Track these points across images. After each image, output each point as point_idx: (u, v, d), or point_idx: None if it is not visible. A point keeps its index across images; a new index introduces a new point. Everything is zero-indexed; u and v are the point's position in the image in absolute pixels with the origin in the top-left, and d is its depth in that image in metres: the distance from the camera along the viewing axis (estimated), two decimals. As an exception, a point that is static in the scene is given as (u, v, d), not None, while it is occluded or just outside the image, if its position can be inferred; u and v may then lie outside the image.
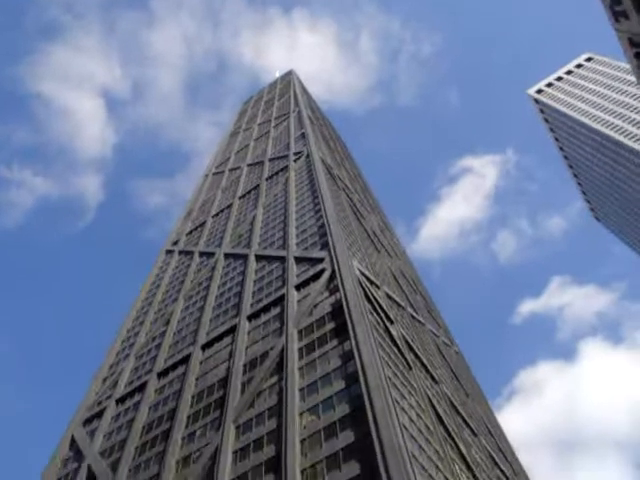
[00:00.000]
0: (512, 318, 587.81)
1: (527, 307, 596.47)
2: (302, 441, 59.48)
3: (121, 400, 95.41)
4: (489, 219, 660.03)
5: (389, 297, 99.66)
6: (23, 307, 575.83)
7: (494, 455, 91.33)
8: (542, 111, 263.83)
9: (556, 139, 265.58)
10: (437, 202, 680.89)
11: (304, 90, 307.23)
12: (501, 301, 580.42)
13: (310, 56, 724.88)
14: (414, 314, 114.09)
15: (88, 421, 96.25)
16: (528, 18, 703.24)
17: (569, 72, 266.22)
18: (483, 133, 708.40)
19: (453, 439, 73.56)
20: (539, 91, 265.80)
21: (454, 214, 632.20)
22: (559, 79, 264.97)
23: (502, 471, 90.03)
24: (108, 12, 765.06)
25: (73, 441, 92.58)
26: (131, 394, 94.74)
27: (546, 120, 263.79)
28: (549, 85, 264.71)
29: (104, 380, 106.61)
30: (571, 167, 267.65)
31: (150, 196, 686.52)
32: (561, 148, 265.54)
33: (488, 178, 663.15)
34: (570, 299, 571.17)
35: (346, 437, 56.41)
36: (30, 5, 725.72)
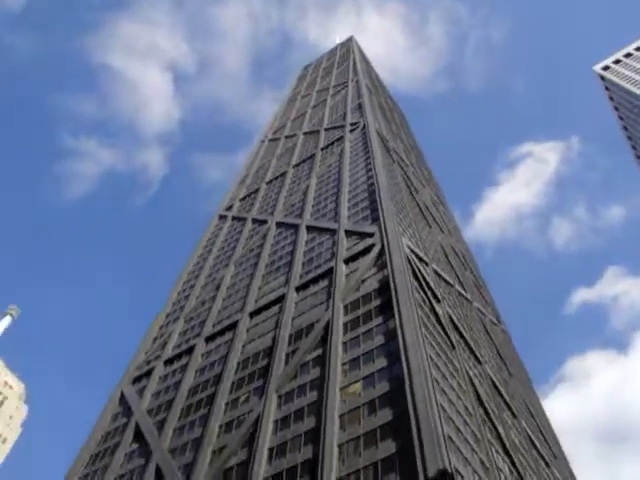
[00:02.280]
0: (564, 306, 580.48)
1: (580, 295, 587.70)
2: (341, 416, 60.58)
3: (169, 361, 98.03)
4: (547, 205, 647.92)
5: (437, 274, 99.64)
6: (89, 268, 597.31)
7: (534, 438, 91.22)
8: (607, 88, 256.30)
9: (620, 118, 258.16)
10: (495, 186, 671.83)
11: (363, 58, 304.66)
12: (554, 288, 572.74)
13: (376, 38, 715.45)
14: (462, 291, 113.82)
15: (137, 380, 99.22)
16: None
17: (638, 48, 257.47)
18: (547, 119, 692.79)
19: (492, 421, 73.76)
20: (605, 68, 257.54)
21: (511, 199, 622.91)
22: (628, 55, 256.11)
23: (541, 455, 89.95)
24: None
25: (122, 397, 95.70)
26: (179, 356, 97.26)
27: (611, 98, 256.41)
28: (617, 62, 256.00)
29: (154, 340, 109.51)
30: (634, 148, 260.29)
31: (212, 170, 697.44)
32: (625, 128, 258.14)
33: (549, 164, 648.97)
34: (625, 289, 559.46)
35: (384, 415, 57.27)
36: None
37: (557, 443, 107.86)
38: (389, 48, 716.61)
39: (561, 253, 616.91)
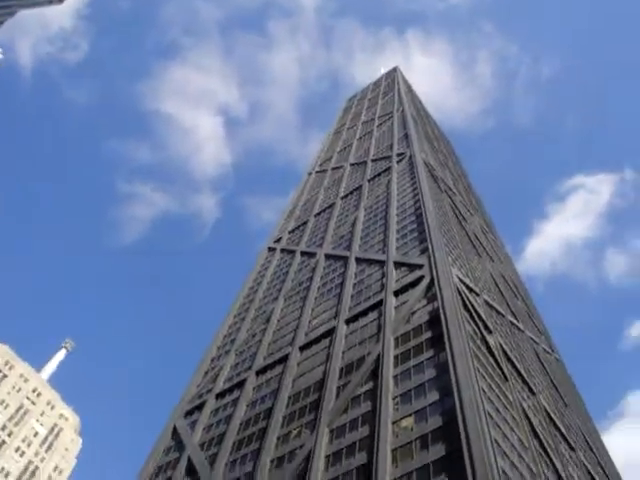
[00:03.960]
0: (621, 340, 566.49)
1: (638, 329, 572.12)
2: (393, 450, 60.19)
3: (221, 395, 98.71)
4: (599, 238, 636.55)
5: (488, 304, 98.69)
6: (143, 304, 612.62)
7: (593, 473, 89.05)
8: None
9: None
10: (545, 219, 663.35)
11: (408, 88, 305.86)
12: (609, 322, 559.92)
13: (423, 77, 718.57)
14: (514, 320, 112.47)
15: (189, 413, 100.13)
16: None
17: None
18: (598, 152, 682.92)
19: (548, 454, 72.34)
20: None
21: (562, 231, 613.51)
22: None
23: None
24: (227, 34, 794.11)
25: (175, 431, 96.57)
26: (230, 390, 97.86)
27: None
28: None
29: (205, 373, 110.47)
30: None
31: (264, 212, 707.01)
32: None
33: (601, 196, 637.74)
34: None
35: (437, 450, 56.73)
36: (151, 27, 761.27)
37: (619, 478, 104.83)
38: (436, 86, 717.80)
39: (615, 286, 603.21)
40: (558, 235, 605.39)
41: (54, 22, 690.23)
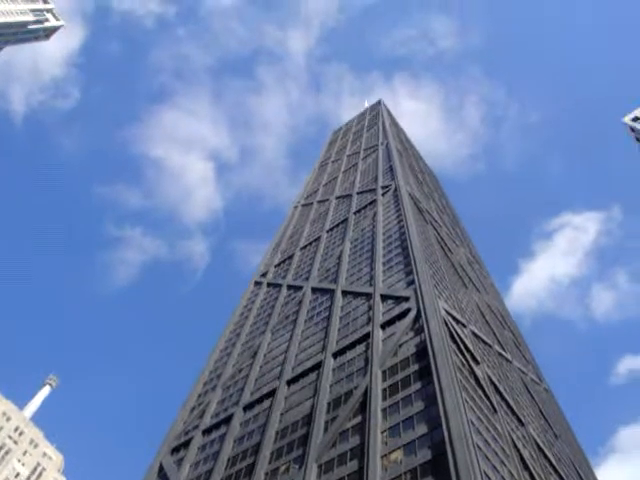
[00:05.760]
0: (610, 375, 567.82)
1: (626, 364, 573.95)
2: (383, 485, 59.56)
3: (207, 431, 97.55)
4: (586, 275, 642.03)
5: (475, 335, 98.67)
6: (129, 344, 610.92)
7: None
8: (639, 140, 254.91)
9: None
10: (531, 258, 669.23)
11: (392, 121, 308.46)
12: (597, 358, 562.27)
13: (412, 121, 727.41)
14: (501, 351, 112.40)
15: (176, 450, 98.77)
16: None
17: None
18: (584, 191, 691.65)
19: (539, 487, 71.92)
20: (635, 119, 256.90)
21: (548, 269, 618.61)
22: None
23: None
24: (217, 79, 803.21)
25: (161, 469, 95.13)
26: (217, 426, 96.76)
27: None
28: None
29: (192, 409, 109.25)
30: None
31: (254, 257, 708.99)
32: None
33: (588, 234, 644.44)
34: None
35: (427, 484, 56.21)
36: (141, 72, 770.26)
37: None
38: (425, 130, 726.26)
39: (603, 323, 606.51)
40: (545, 273, 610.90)
41: (46, 70, 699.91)
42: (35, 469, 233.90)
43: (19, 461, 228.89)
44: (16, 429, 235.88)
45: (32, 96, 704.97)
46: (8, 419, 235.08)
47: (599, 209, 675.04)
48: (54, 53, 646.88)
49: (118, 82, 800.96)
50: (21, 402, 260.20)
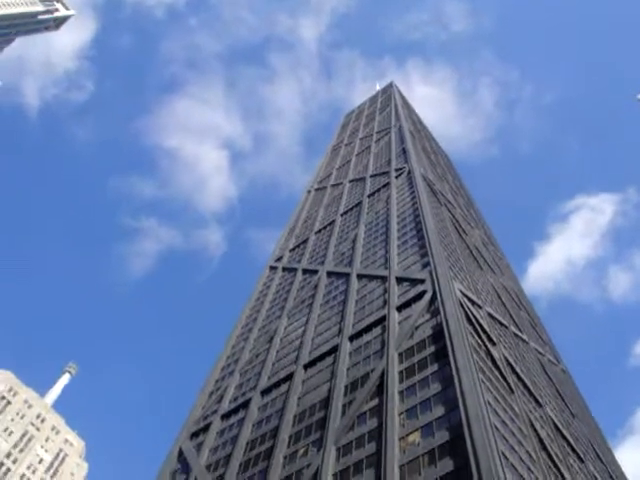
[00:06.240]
0: (628, 357, 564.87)
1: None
2: (401, 467, 59.78)
3: (226, 416, 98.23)
4: (602, 257, 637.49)
5: (491, 317, 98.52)
6: (148, 333, 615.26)
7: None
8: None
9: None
10: (547, 241, 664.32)
11: (405, 103, 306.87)
12: (614, 340, 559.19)
13: (425, 106, 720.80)
14: (517, 332, 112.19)
15: (195, 435, 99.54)
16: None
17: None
18: (600, 172, 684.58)
19: (557, 466, 71.95)
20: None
21: (564, 252, 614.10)
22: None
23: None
24: (228, 67, 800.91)
25: (181, 453, 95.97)
26: (235, 410, 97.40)
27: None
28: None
29: (210, 395, 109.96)
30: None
31: (269, 244, 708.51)
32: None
33: (604, 216, 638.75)
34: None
35: (445, 465, 56.36)
36: (153, 62, 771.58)
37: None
38: (439, 116, 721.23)
39: (620, 304, 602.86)
40: (561, 255, 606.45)
41: (59, 63, 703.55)
42: (58, 455, 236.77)
43: (42, 447, 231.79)
44: (38, 416, 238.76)
45: (46, 90, 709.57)
46: (30, 407, 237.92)
47: (615, 191, 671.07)
48: (66, 47, 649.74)
49: (130, 73, 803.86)
50: (42, 390, 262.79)
